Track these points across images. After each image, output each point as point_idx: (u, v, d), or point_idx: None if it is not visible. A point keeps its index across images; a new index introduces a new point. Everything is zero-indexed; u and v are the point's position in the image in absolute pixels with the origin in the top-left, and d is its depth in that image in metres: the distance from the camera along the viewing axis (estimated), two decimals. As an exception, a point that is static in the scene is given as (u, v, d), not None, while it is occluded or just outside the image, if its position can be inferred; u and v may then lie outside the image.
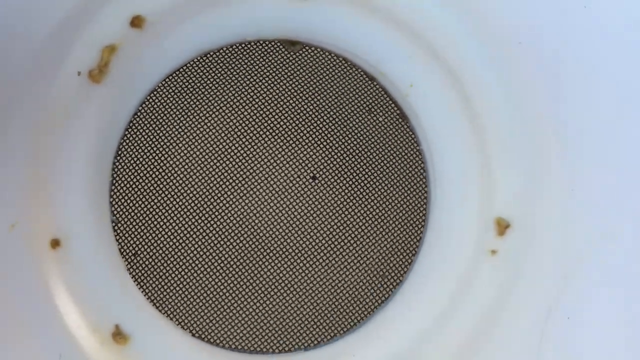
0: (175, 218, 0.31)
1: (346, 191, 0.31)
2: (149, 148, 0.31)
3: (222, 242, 0.31)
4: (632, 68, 0.29)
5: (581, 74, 0.30)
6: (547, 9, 0.30)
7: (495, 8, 0.31)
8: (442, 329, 0.30)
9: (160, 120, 0.31)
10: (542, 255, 0.30)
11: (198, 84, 0.32)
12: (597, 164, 0.30)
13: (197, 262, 0.31)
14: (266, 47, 0.32)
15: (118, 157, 0.31)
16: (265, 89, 0.32)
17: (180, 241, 0.31)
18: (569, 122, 0.30)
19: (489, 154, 0.31)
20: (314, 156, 0.32)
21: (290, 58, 0.32)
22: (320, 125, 0.32)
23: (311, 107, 0.32)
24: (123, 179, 0.31)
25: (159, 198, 0.31)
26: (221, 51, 0.32)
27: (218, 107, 0.32)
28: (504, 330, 0.30)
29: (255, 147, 0.32)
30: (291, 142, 0.32)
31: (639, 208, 0.29)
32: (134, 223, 0.31)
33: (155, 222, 0.31)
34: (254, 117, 0.32)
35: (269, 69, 0.32)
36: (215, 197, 0.31)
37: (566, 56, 0.30)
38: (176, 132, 0.31)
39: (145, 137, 0.31)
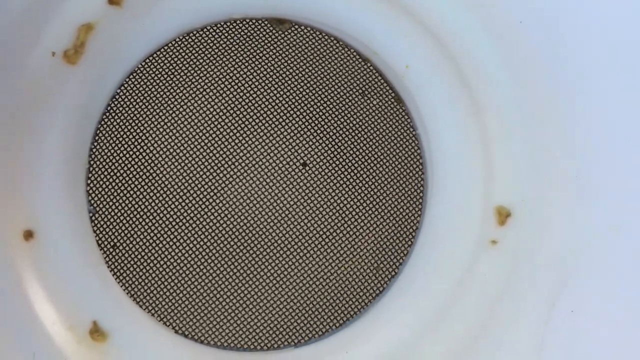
0: (157, 208, 0.29)
1: (338, 179, 0.30)
2: (128, 134, 0.30)
3: (207, 234, 0.29)
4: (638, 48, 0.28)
5: (585, 54, 0.29)
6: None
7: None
8: (440, 324, 0.29)
9: (141, 104, 0.30)
10: (546, 245, 0.29)
11: (181, 65, 0.30)
12: (601, 149, 0.29)
13: (180, 254, 0.29)
14: (253, 26, 0.31)
15: (95, 143, 0.30)
16: (252, 71, 0.31)
17: (163, 233, 0.29)
18: (572, 105, 0.29)
19: (488, 139, 0.30)
20: (304, 142, 0.30)
21: (279, 37, 0.31)
22: (311, 109, 0.31)
23: (301, 90, 0.31)
24: (101, 166, 0.29)
25: (140, 187, 0.30)
26: (205, 30, 0.31)
27: (202, 90, 0.30)
28: (506, 324, 0.29)
29: (241, 132, 0.30)
30: (280, 127, 0.30)
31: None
32: (113, 213, 0.29)
33: (136, 213, 0.29)
34: (240, 100, 0.30)
35: (256, 49, 0.31)
36: (200, 186, 0.30)
37: (570, 35, 0.29)
38: (157, 117, 0.30)
39: (125, 122, 0.30)
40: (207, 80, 0.31)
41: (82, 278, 0.29)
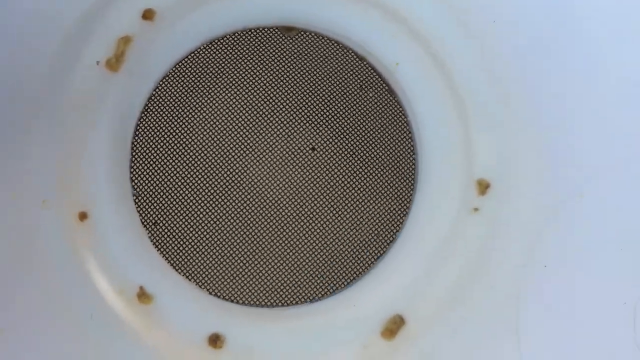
0: (189, 189, 0.33)
1: (343, 160, 0.33)
2: (162, 128, 0.33)
3: (232, 209, 0.33)
4: (605, 37, 0.31)
5: (554, 47, 0.31)
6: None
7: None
8: (432, 279, 0.31)
9: (173, 102, 0.33)
10: (520, 210, 0.31)
11: (205, 69, 0.34)
12: (568, 128, 0.31)
13: (210, 227, 0.33)
14: (265, 34, 0.34)
15: (136, 137, 0.33)
16: (265, 71, 0.34)
17: (195, 210, 0.33)
18: (542, 90, 0.32)
19: (468, 122, 0.32)
20: (312, 130, 0.33)
21: (288, 42, 0.34)
22: (317, 102, 0.34)
23: (308, 86, 0.34)
24: (141, 156, 0.33)
25: (174, 172, 0.33)
26: (225, 39, 0.34)
27: (224, 89, 0.34)
28: (488, 277, 0.31)
29: (259, 123, 0.33)
30: (292, 118, 0.34)
31: (612, 163, 0.31)
32: (153, 195, 0.33)
33: (172, 194, 0.33)
34: (257, 96, 0.34)
35: (268, 53, 0.34)
36: (226, 169, 0.33)
37: (539, 32, 0.31)
38: (186, 113, 0.33)
39: (159, 118, 0.33)
40: (227, 80, 0.34)
41: (129, 250, 0.31)
